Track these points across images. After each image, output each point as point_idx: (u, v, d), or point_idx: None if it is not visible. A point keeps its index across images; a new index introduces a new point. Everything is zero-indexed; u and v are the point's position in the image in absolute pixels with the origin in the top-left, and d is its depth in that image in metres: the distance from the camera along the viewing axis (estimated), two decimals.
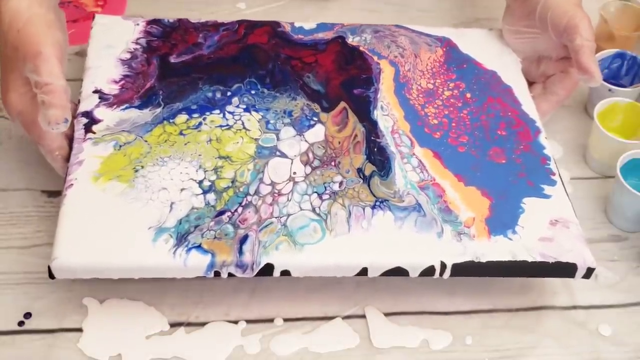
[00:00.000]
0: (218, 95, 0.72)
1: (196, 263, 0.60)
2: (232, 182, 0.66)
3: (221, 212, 0.63)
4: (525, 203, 0.67)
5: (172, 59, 0.75)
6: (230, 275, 0.61)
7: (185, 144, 0.68)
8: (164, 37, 0.77)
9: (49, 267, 0.59)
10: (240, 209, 0.64)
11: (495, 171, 0.69)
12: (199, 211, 0.63)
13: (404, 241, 0.63)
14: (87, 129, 0.68)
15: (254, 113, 0.71)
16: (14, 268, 0.66)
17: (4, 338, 0.62)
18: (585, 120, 0.83)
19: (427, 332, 0.65)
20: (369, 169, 0.68)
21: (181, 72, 0.74)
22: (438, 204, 0.66)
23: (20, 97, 0.64)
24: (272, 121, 0.71)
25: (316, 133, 0.70)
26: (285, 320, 0.65)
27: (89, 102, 0.70)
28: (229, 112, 0.71)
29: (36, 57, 0.61)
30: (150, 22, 0.78)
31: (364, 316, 0.66)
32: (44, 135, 0.65)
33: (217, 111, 0.71)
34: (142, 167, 0.66)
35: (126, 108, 0.70)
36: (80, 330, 0.63)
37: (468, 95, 0.76)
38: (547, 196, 0.68)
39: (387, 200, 0.66)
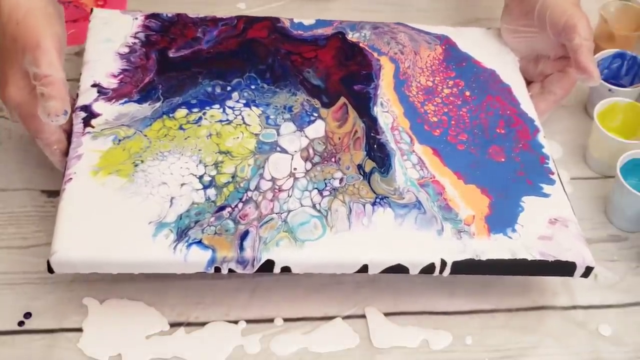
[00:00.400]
0: (218, 90, 0.72)
1: (197, 259, 0.60)
2: (233, 177, 0.65)
3: (222, 208, 0.63)
4: (524, 202, 0.67)
5: (171, 54, 0.75)
6: (230, 271, 0.61)
7: (185, 139, 0.68)
8: (162, 31, 0.77)
9: (48, 262, 0.59)
10: (240, 205, 0.64)
11: (495, 169, 0.69)
12: (199, 206, 0.63)
13: (404, 238, 0.63)
14: (86, 123, 0.68)
15: (254, 108, 0.71)
16: (13, 268, 0.66)
17: (4, 338, 0.62)
18: (585, 120, 0.83)
19: (427, 332, 0.65)
20: (369, 165, 0.68)
21: (180, 66, 0.74)
22: (438, 201, 0.66)
23: (19, 90, 0.64)
24: (272, 116, 0.71)
25: (316, 129, 0.70)
26: (285, 320, 0.65)
27: (87, 96, 0.70)
28: (229, 107, 0.71)
29: (35, 49, 0.61)
30: (149, 17, 0.78)
31: (364, 316, 0.66)
32: (42, 128, 0.65)
33: (217, 106, 0.71)
34: (142, 161, 0.65)
35: (125, 102, 0.70)
36: (80, 330, 0.63)
37: (467, 93, 0.76)
38: (546, 195, 0.68)
39: (388, 197, 0.66)
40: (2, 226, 0.69)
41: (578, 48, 0.72)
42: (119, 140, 0.67)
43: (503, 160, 0.70)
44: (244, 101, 0.72)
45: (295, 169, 0.67)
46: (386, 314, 0.66)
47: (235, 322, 0.65)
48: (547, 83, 0.78)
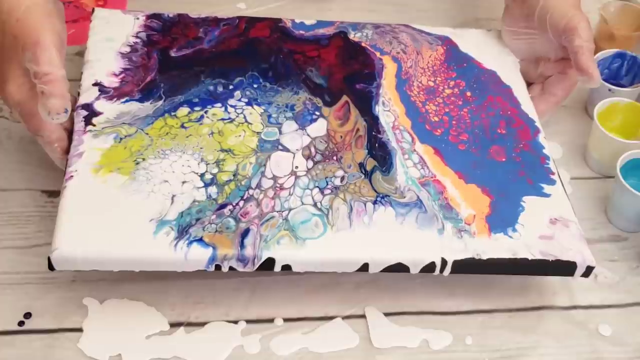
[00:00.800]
0: (220, 88, 0.72)
1: (197, 256, 0.60)
2: (234, 175, 0.65)
3: (223, 206, 0.63)
4: (525, 201, 0.67)
5: (173, 53, 0.75)
6: (231, 269, 0.61)
7: (187, 137, 0.68)
8: (164, 31, 0.77)
9: (48, 259, 0.59)
10: (241, 203, 0.64)
11: (496, 169, 0.69)
12: (200, 204, 0.63)
13: (405, 237, 0.63)
14: (87, 121, 0.68)
15: (256, 107, 0.71)
16: (14, 268, 0.66)
17: (4, 338, 0.62)
18: (585, 120, 0.83)
19: (427, 332, 0.65)
20: (370, 164, 0.68)
21: (182, 65, 0.74)
22: (439, 200, 0.66)
23: (19, 88, 0.64)
24: (274, 115, 0.71)
25: (318, 127, 0.70)
26: (285, 320, 0.65)
27: (88, 94, 0.70)
28: (231, 106, 0.71)
29: (35, 46, 0.61)
30: (150, 17, 0.78)
31: (364, 316, 0.66)
32: (43, 126, 0.65)
33: (219, 104, 0.71)
34: (144, 159, 0.66)
35: (127, 101, 0.70)
36: (80, 330, 0.63)
37: (468, 93, 0.76)
38: (546, 195, 0.68)
39: (389, 196, 0.66)
40: (3, 226, 0.69)
41: (578, 50, 0.72)
42: (121, 139, 0.67)
43: (504, 160, 0.71)
44: (246, 100, 0.72)
45: (296, 167, 0.67)
46: (386, 314, 0.66)
47: (235, 322, 0.65)
48: (547, 84, 0.79)
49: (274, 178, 0.66)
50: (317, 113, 0.72)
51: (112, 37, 0.75)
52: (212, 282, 0.66)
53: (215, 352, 0.63)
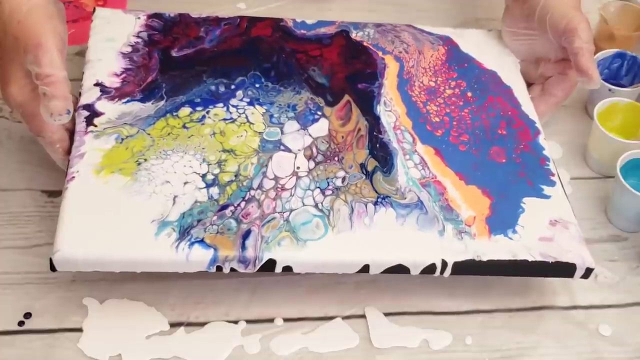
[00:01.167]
0: (222, 88, 0.72)
1: (199, 258, 0.60)
2: (236, 175, 0.65)
3: (224, 207, 0.63)
4: (525, 203, 0.67)
5: (174, 53, 0.75)
6: (232, 270, 0.61)
7: (189, 137, 0.68)
8: (165, 31, 0.77)
9: (50, 260, 0.59)
10: (243, 204, 0.63)
11: (496, 170, 0.69)
12: (202, 205, 0.63)
13: (405, 239, 0.63)
14: (89, 121, 0.68)
15: (257, 107, 0.71)
16: (14, 268, 0.66)
17: (4, 338, 0.62)
18: (585, 120, 0.83)
19: (427, 332, 0.65)
20: (371, 164, 0.68)
21: (183, 65, 0.74)
22: (439, 201, 0.66)
23: (21, 89, 0.64)
24: (276, 115, 0.71)
25: (320, 128, 0.70)
26: (285, 320, 0.65)
27: (90, 95, 0.70)
28: (233, 106, 0.71)
29: (37, 48, 0.61)
30: (152, 16, 0.78)
31: (364, 316, 0.66)
32: (44, 127, 0.65)
33: (221, 104, 0.71)
34: (145, 160, 0.66)
35: (128, 101, 0.70)
36: (80, 330, 0.63)
37: (469, 94, 0.76)
38: (546, 196, 0.68)
39: (389, 197, 0.66)
40: (3, 226, 0.69)
41: (578, 51, 0.72)
42: (122, 139, 0.67)
43: (504, 161, 0.71)
44: (248, 100, 0.72)
45: (298, 167, 0.67)
46: (386, 314, 0.66)
47: (235, 322, 0.65)
48: (547, 85, 0.79)
49: (276, 179, 0.66)
50: (319, 113, 0.72)
51: (113, 37, 0.75)
52: (213, 282, 0.66)
53: (215, 352, 0.63)
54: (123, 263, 0.60)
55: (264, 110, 0.71)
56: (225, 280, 0.66)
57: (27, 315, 0.63)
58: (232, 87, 0.73)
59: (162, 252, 0.60)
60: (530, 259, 0.63)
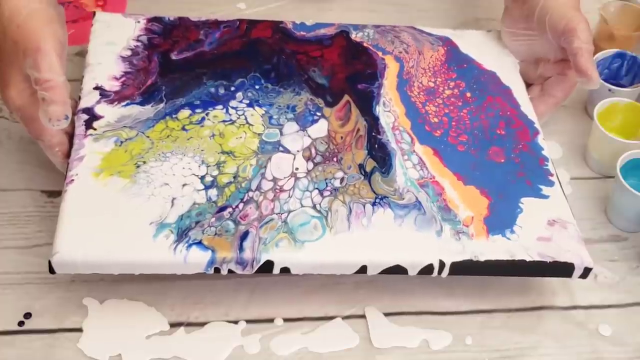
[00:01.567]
0: (221, 90, 0.72)
1: (196, 259, 0.60)
2: (234, 177, 0.65)
3: (222, 208, 0.63)
4: (523, 203, 0.67)
5: (174, 56, 0.75)
6: (230, 272, 0.61)
7: (188, 139, 0.68)
8: (164, 34, 0.77)
9: (49, 262, 0.59)
10: (241, 205, 0.64)
11: (494, 171, 0.69)
12: (200, 207, 0.63)
13: (403, 239, 0.63)
14: (88, 125, 0.68)
15: (257, 108, 0.72)
16: (14, 268, 0.66)
17: (4, 338, 0.62)
18: (585, 121, 0.83)
19: (427, 332, 0.65)
20: (370, 164, 0.68)
21: (183, 68, 0.74)
22: (437, 202, 0.66)
23: (20, 93, 0.64)
24: (275, 116, 0.71)
25: (319, 128, 0.70)
26: (285, 320, 0.65)
27: (89, 98, 0.70)
28: (232, 108, 0.71)
29: (36, 53, 0.61)
30: (151, 20, 0.78)
31: (364, 316, 0.66)
32: (43, 131, 0.65)
33: (220, 106, 0.71)
34: (144, 162, 0.66)
35: (128, 104, 0.70)
36: (80, 330, 0.63)
37: (468, 94, 0.76)
38: (545, 196, 0.68)
39: (387, 197, 0.66)
40: (3, 226, 0.69)
41: (577, 51, 0.72)
42: (121, 142, 0.67)
43: (502, 161, 0.71)
44: (247, 101, 0.72)
45: (297, 168, 0.67)
46: (386, 314, 0.66)
47: (235, 322, 0.65)
48: (547, 86, 0.79)
49: (274, 180, 0.66)
50: (319, 114, 0.72)
51: (113, 41, 0.75)
52: (212, 282, 0.66)
53: (215, 352, 0.63)
54: (121, 265, 0.60)
55: (263, 112, 0.71)
56: (224, 280, 0.66)
57: (27, 315, 0.63)
58: (232, 88, 0.73)
59: (160, 254, 0.60)
60: (528, 259, 0.63)
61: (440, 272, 0.63)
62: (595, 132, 0.77)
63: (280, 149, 0.68)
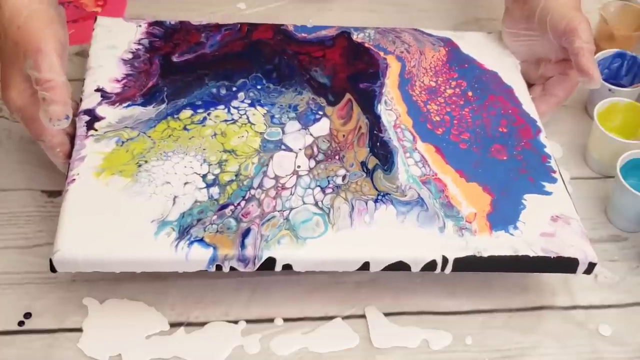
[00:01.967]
0: (223, 91, 0.73)
1: (198, 257, 0.60)
2: (236, 175, 0.66)
3: (224, 206, 0.63)
4: (526, 200, 0.67)
5: (175, 58, 0.75)
6: (232, 269, 0.61)
7: (190, 139, 0.68)
8: (165, 37, 0.77)
9: (50, 260, 0.59)
10: (243, 203, 0.64)
11: (497, 168, 0.70)
12: (201, 204, 0.63)
13: (406, 236, 0.63)
14: (89, 126, 0.68)
15: (259, 108, 0.72)
16: (14, 268, 0.66)
17: (4, 338, 0.62)
18: (585, 120, 0.83)
19: (427, 332, 0.65)
20: (372, 162, 0.68)
21: (184, 70, 0.74)
22: (440, 198, 0.66)
23: (20, 94, 0.64)
24: (277, 115, 0.71)
25: (321, 127, 0.71)
26: (285, 320, 0.65)
27: (90, 100, 0.70)
28: (234, 107, 0.71)
29: (36, 53, 0.61)
30: (152, 24, 0.78)
31: (364, 316, 0.66)
32: (44, 131, 0.65)
33: (222, 106, 0.71)
34: (146, 161, 0.66)
35: (129, 105, 0.70)
36: (80, 330, 0.63)
37: (470, 93, 0.76)
38: (548, 193, 0.68)
39: (390, 194, 0.66)
40: (3, 226, 0.69)
41: (579, 51, 0.72)
42: (123, 142, 0.67)
43: (505, 158, 0.71)
44: (249, 101, 0.72)
45: (299, 166, 0.67)
46: (386, 314, 0.66)
47: (235, 322, 0.65)
48: (548, 85, 0.79)
49: (276, 178, 0.66)
50: (321, 113, 0.72)
51: (115, 45, 0.75)
52: (212, 281, 0.66)
53: (215, 352, 0.63)
54: (122, 263, 0.60)
55: (265, 111, 0.71)
56: (225, 279, 0.66)
57: (27, 315, 0.63)
58: (234, 89, 0.73)
59: (162, 252, 0.60)
60: (531, 254, 0.63)
61: (443, 268, 0.63)
62: (595, 132, 0.77)
63: (282, 147, 0.68)
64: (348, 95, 0.74)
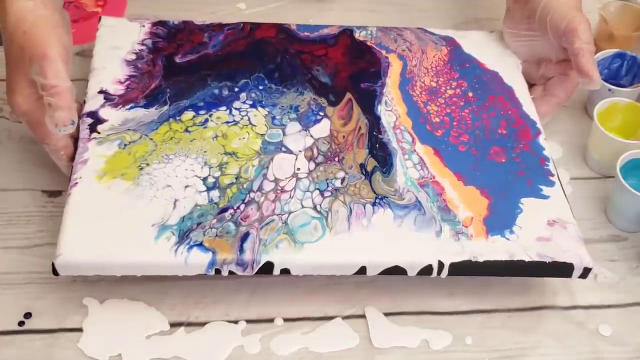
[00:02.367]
0: (225, 91, 0.73)
1: (197, 261, 0.60)
2: (236, 178, 0.66)
3: (224, 210, 0.63)
4: (523, 203, 0.67)
5: (178, 59, 0.75)
6: (230, 273, 0.61)
7: (191, 141, 0.68)
8: (169, 38, 0.77)
9: (52, 264, 0.59)
10: (242, 206, 0.64)
11: (495, 170, 0.69)
12: (202, 208, 0.63)
13: (403, 240, 0.63)
14: (92, 128, 0.68)
15: (260, 109, 0.72)
16: (14, 268, 0.66)
17: (4, 338, 0.62)
18: (585, 121, 0.83)
19: (427, 332, 0.65)
20: (371, 164, 0.68)
21: (187, 70, 0.74)
22: (437, 202, 0.66)
23: (26, 98, 0.64)
24: (278, 117, 0.71)
25: (322, 128, 0.71)
26: (285, 320, 0.65)
27: (94, 102, 0.70)
28: (236, 109, 0.71)
29: (42, 59, 0.62)
30: (156, 24, 0.78)
31: (364, 316, 0.66)
32: (49, 135, 0.66)
33: (224, 108, 0.71)
34: (147, 164, 0.66)
35: (132, 107, 0.70)
36: (80, 330, 0.63)
37: (470, 94, 0.76)
38: (545, 197, 0.68)
39: (387, 198, 0.66)
40: (3, 226, 0.69)
41: (579, 52, 0.72)
42: (125, 145, 0.67)
43: (503, 160, 0.71)
44: (251, 102, 0.72)
45: (298, 169, 0.67)
46: (386, 314, 0.66)
47: (235, 322, 0.65)
48: (549, 86, 0.79)
49: (276, 180, 0.66)
50: (321, 113, 0.72)
51: (118, 45, 0.75)
52: (212, 282, 0.66)
53: (215, 352, 0.63)
54: (123, 267, 0.60)
55: (267, 112, 0.71)
56: (225, 280, 0.66)
57: (27, 315, 0.64)
58: (236, 89, 0.73)
59: (162, 256, 0.60)
60: (527, 259, 0.63)
61: (439, 272, 0.63)
62: (595, 132, 0.77)
63: (283, 149, 0.68)
64: (349, 95, 0.74)
